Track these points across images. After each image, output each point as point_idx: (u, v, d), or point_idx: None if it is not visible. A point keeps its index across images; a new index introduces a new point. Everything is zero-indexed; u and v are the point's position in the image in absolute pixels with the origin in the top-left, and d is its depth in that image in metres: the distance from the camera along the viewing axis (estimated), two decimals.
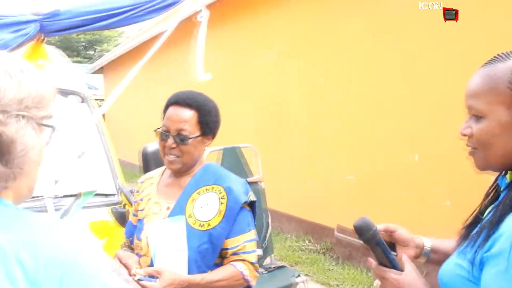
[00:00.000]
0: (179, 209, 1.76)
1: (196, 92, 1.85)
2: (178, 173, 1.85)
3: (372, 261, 1.18)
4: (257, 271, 1.78)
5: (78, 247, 0.84)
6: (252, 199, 1.81)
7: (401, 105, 4.62)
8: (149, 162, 2.56)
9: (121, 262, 1.68)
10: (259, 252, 1.91)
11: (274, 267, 3.70)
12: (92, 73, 18.94)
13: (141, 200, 1.92)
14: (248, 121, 7.45)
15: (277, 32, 6.57)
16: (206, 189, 1.79)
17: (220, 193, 1.77)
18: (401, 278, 1.10)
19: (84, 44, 30.10)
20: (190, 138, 1.75)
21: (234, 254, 1.74)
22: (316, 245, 5.70)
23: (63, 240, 0.84)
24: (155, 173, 1.99)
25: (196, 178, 1.83)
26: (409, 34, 4.46)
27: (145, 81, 11.70)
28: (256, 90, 7.19)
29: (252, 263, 1.76)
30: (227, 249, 1.74)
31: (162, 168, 1.95)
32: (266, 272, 3.61)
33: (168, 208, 1.80)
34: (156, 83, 11.33)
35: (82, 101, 2.98)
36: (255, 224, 1.88)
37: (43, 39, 3.13)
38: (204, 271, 1.69)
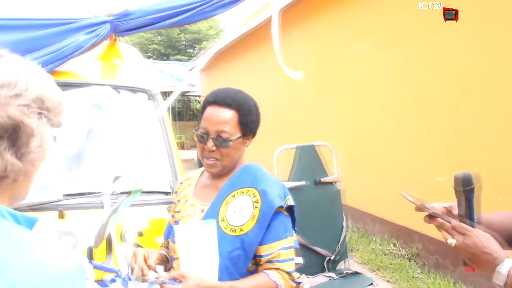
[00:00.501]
0: (212, 212, 1.67)
1: (235, 89, 1.74)
2: (216, 175, 1.76)
3: (451, 219, 1.32)
4: (293, 280, 1.64)
5: (48, 271, 0.77)
6: (289, 204, 1.68)
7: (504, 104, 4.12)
8: None
9: (135, 260, 1.61)
10: (299, 260, 1.75)
11: (346, 272, 3.49)
12: (189, 70, 19.76)
13: (179, 201, 1.86)
14: (336, 118, 7.21)
15: (367, 24, 6.24)
16: (241, 192, 1.68)
17: (254, 196, 1.65)
18: (483, 235, 1.23)
19: (185, 43, 31.45)
20: (230, 140, 1.65)
21: (268, 262, 1.62)
22: (401, 250, 5.34)
23: (32, 262, 0.77)
24: (194, 173, 1.92)
25: (232, 180, 1.73)
26: None
27: (239, 78, 11.89)
28: (344, 85, 6.92)
29: (288, 273, 1.62)
30: (260, 256, 1.63)
31: (202, 168, 1.87)
32: (338, 277, 3.42)
33: (202, 211, 1.73)
34: (252, 80, 11.34)
35: (149, 99, 3.01)
36: (295, 230, 1.75)
37: (115, 38, 3.23)
38: (236, 279, 1.59)
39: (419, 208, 1.39)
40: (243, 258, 1.59)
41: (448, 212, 1.41)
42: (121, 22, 3.02)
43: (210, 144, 1.65)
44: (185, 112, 24.35)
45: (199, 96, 21.12)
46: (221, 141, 1.65)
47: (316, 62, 7.79)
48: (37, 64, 0.95)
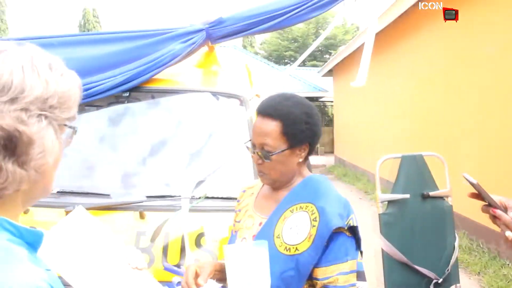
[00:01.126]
0: (269, 228, 1.57)
1: (284, 96, 1.62)
2: (275, 187, 1.67)
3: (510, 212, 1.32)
4: None
5: None
6: (352, 224, 1.50)
7: None
8: None
9: (186, 278, 1.54)
10: (363, 286, 1.55)
11: None
12: (323, 76, 19.72)
13: (239, 211, 1.79)
14: (464, 126, 6.53)
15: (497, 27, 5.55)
16: (300, 207, 1.54)
17: (312, 213, 1.51)
18: None
19: (321, 48, 31.48)
20: (272, 154, 1.54)
21: (325, 286, 1.47)
22: None
23: None
24: (257, 182, 1.83)
25: (292, 193, 1.60)
26: None
27: (378, 75, 11.42)
28: (476, 88, 6.23)
29: None
30: (317, 279, 1.48)
31: None
32: None
33: (260, 224, 1.63)
34: (394, 75, 10.76)
35: (241, 104, 3.02)
36: (360, 252, 1.56)
37: (212, 46, 3.31)
38: None
39: (477, 195, 1.37)
40: (297, 279, 1.47)
41: (504, 206, 1.37)
42: (216, 30, 3.09)
43: (255, 157, 1.59)
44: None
45: (331, 102, 20.97)
46: (264, 154, 1.56)
47: (446, 62, 7.15)
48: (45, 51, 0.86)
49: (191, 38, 3.05)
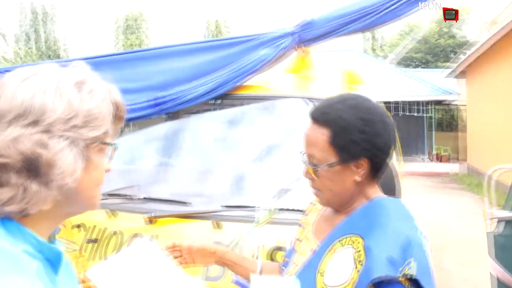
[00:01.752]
0: (316, 259, 1.29)
1: (341, 97, 1.31)
2: (333, 208, 1.41)
3: None
4: None
5: None
6: (409, 273, 1.09)
7: None
8: None
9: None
10: None
11: None
12: (454, 77, 18.30)
13: (303, 227, 1.55)
14: None
15: None
16: (350, 240, 1.23)
17: (357, 252, 1.18)
18: None
19: (447, 48, 29.45)
20: (318, 168, 1.27)
21: None
22: None
23: None
24: None
25: (349, 220, 1.29)
26: None
27: (501, 82, 10.36)
28: None
29: None
30: None
31: None
32: None
33: (311, 251, 1.37)
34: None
35: None
36: None
37: (302, 49, 3.18)
38: None
39: None
40: None
41: None
42: (305, 33, 2.97)
43: (304, 170, 1.34)
44: (445, 121, 22.67)
45: (464, 105, 19.27)
46: (311, 167, 1.30)
47: None
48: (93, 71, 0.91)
49: (277, 43, 2.97)
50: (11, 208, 0.80)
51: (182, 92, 3.03)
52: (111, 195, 2.68)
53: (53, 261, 0.87)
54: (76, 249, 1.90)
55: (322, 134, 1.26)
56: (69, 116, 0.82)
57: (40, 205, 0.82)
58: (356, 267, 1.16)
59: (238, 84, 2.96)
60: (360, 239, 1.20)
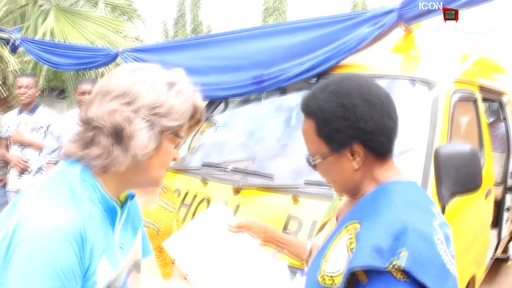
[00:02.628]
0: (326, 245, 1.24)
1: (325, 84, 1.20)
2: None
3: None
4: None
5: (30, 234, 0.90)
6: (397, 264, 1.00)
7: None
8: (441, 170, 1.97)
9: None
10: None
11: None
12: None
13: (334, 211, 1.48)
14: None
15: None
16: (352, 226, 1.16)
17: (350, 239, 1.12)
18: None
19: None
20: (313, 161, 1.21)
21: None
22: None
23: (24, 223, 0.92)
24: None
25: (357, 206, 1.22)
26: None
27: None
28: None
29: None
30: None
31: None
32: None
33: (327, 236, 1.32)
34: None
35: (429, 90, 2.66)
36: None
37: (410, 29, 3.02)
38: None
39: None
40: None
41: None
42: (407, 10, 2.83)
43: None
44: None
45: None
46: (308, 161, 1.25)
47: None
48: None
49: (380, 21, 2.86)
50: (97, 163, 1.01)
51: (282, 70, 3.10)
52: (205, 165, 2.89)
53: (109, 213, 1.07)
54: (173, 211, 2.09)
55: (309, 127, 1.20)
56: (155, 105, 1.03)
57: (117, 167, 1.02)
58: (348, 256, 1.11)
59: (338, 62, 2.93)
60: (358, 226, 1.14)
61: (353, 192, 1.24)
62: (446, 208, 2.36)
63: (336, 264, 1.12)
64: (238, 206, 2.48)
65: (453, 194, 1.98)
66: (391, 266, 1.00)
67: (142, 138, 1.01)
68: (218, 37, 3.59)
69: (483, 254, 3.26)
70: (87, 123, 1.03)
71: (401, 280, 1.01)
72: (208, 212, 1.60)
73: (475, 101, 3.12)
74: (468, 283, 2.95)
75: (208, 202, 2.59)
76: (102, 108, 1.02)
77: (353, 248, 1.09)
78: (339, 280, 1.09)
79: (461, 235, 2.66)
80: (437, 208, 1.17)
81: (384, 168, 1.20)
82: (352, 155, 1.17)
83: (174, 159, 1.14)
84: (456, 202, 2.54)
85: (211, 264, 1.44)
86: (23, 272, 0.87)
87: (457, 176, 1.94)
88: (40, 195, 0.97)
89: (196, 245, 1.48)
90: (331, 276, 1.12)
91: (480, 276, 3.23)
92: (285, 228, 2.28)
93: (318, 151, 1.19)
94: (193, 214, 2.60)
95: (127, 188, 1.13)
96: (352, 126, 1.14)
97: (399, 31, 3.07)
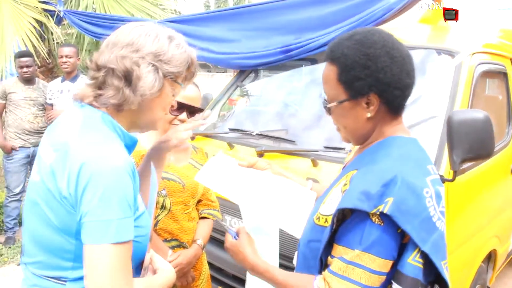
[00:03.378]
0: (327, 190, 1.36)
1: (352, 33, 1.26)
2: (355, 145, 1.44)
3: None
4: None
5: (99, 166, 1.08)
6: (383, 211, 1.10)
7: None
8: (453, 136, 2.00)
9: None
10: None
11: None
12: None
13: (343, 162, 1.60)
14: None
15: None
16: (351, 173, 1.26)
17: (345, 184, 1.23)
18: None
19: None
20: (329, 105, 1.29)
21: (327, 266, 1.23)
22: None
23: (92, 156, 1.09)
24: None
25: (359, 157, 1.32)
26: None
27: None
28: None
29: None
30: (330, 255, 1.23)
31: None
32: None
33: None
34: None
35: (453, 59, 2.67)
36: (421, 251, 1.12)
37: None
38: (313, 274, 1.26)
39: None
40: (321, 252, 1.24)
41: None
42: None
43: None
44: None
45: None
46: (324, 105, 1.32)
47: None
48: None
49: None
50: (112, 102, 1.18)
51: (309, 40, 3.17)
52: (232, 129, 3.03)
53: (129, 147, 1.25)
54: None
55: (331, 72, 1.26)
56: (159, 53, 1.20)
57: (129, 105, 1.19)
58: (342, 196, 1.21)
59: None
60: (355, 172, 1.23)
61: (360, 141, 1.32)
62: (467, 179, 2.42)
63: (331, 205, 1.24)
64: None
65: (464, 160, 2.03)
66: (375, 210, 1.11)
67: (149, 79, 1.18)
68: (250, 8, 3.68)
69: (507, 231, 3.25)
70: (99, 68, 1.19)
71: (376, 222, 1.13)
72: (216, 158, 1.70)
73: (505, 74, 3.10)
74: (489, 257, 2.99)
75: None
76: (113, 55, 1.18)
77: (345, 190, 1.20)
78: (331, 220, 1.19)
79: (482, 208, 2.70)
80: (433, 167, 1.25)
81: (393, 124, 1.28)
82: (367, 104, 1.24)
83: (172, 106, 1.32)
84: (479, 174, 2.58)
85: (245, 188, 1.56)
86: (102, 203, 1.05)
87: (468, 142, 1.99)
88: (90, 139, 1.12)
89: (223, 176, 1.61)
90: (325, 217, 1.24)
91: (503, 252, 3.23)
92: None
93: (336, 96, 1.26)
94: None
95: (134, 129, 1.30)
96: (372, 75, 1.21)
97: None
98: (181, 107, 1.92)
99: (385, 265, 1.13)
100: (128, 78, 1.17)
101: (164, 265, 1.33)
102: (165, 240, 1.96)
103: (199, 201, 2.16)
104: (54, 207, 1.10)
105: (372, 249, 1.12)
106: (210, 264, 2.51)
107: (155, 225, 1.93)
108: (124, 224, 1.07)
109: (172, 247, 1.97)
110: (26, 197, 1.22)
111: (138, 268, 1.26)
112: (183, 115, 1.94)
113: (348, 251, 1.15)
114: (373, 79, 1.21)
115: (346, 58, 1.22)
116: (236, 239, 1.41)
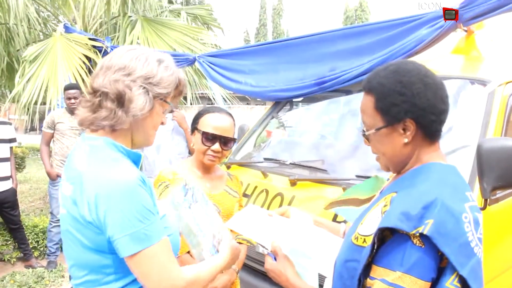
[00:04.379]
0: (364, 212, 1.40)
1: (388, 65, 1.35)
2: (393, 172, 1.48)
3: None
4: None
5: (114, 186, 1.20)
6: (423, 232, 1.13)
7: None
8: (483, 163, 2.01)
9: None
10: None
11: None
12: None
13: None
14: None
15: None
16: (390, 195, 1.31)
17: (385, 205, 1.27)
18: None
19: None
20: (367, 133, 1.36)
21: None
22: None
23: (108, 177, 1.22)
24: None
25: (397, 181, 1.37)
26: None
27: None
28: None
29: None
30: (369, 276, 1.27)
31: None
32: None
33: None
34: None
35: (485, 88, 2.67)
36: (458, 276, 1.13)
37: (471, 31, 3.03)
38: None
39: None
40: (359, 272, 1.27)
41: None
42: (466, 10, 2.84)
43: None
44: None
45: None
46: (363, 133, 1.39)
47: None
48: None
49: (439, 22, 2.91)
50: (105, 123, 1.29)
51: (343, 72, 3.24)
52: (266, 159, 3.12)
53: (135, 161, 1.36)
54: (236, 196, 2.28)
55: (368, 101, 1.33)
56: (149, 76, 1.31)
57: (122, 125, 1.29)
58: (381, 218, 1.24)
59: None
60: (394, 194, 1.27)
61: (399, 167, 1.37)
62: (502, 208, 2.39)
63: (370, 226, 1.27)
64: (294, 197, 2.67)
65: (495, 188, 2.03)
66: (415, 231, 1.13)
67: (140, 101, 1.29)
68: (287, 42, 3.79)
69: None
70: (94, 91, 1.31)
71: (417, 244, 1.14)
72: (246, 208, 1.77)
73: None
74: None
75: (267, 192, 2.81)
76: (107, 78, 1.29)
77: (385, 211, 1.23)
78: (370, 241, 1.22)
79: None
80: (472, 194, 1.28)
81: (430, 150, 1.33)
82: (404, 130, 1.30)
83: (162, 123, 1.42)
84: None
85: (275, 233, 1.58)
86: (124, 221, 1.17)
87: (499, 170, 1.99)
88: (98, 167, 1.24)
89: (254, 223, 1.67)
90: (364, 237, 1.27)
91: None
92: (335, 218, 2.44)
93: (373, 123, 1.33)
94: (253, 203, 2.84)
95: (133, 147, 1.40)
96: (407, 101, 1.27)
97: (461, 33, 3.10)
98: (214, 137, 2.03)
99: (426, 287, 1.15)
100: (120, 100, 1.28)
101: (223, 249, 1.47)
102: None
103: None
104: (83, 231, 1.23)
105: (413, 271, 1.14)
106: None
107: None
108: (151, 228, 1.20)
109: None
110: (61, 229, 1.36)
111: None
112: (216, 145, 2.04)
113: (389, 272, 1.17)
114: (409, 105, 1.27)
115: (382, 86, 1.30)
116: (275, 260, 1.46)
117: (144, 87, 1.30)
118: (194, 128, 2.12)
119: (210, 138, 2.04)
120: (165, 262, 1.21)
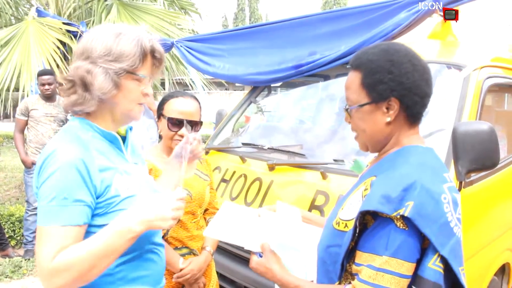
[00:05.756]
0: (345, 197, 1.41)
1: (377, 44, 1.35)
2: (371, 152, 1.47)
3: None
4: None
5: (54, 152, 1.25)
6: (404, 214, 1.14)
7: None
8: (458, 147, 2.04)
9: None
10: None
11: None
12: None
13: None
14: None
15: None
16: (370, 179, 1.30)
17: (365, 189, 1.26)
18: None
19: None
20: (351, 108, 1.34)
21: (354, 274, 1.26)
22: None
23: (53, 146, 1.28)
24: None
25: (377, 165, 1.35)
26: None
27: None
28: None
29: None
30: (354, 262, 1.27)
31: None
32: None
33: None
34: None
35: (460, 72, 2.70)
36: (439, 256, 1.16)
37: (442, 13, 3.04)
38: (333, 280, 1.31)
39: None
40: (341, 257, 1.28)
41: None
42: None
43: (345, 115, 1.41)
44: None
45: None
46: (346, 109, 1.37)
47: None
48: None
49: (416, 6, 2.92)
50: (77, 108, 1.34)
51: (321, 56, 3.23)
52: (245, 144, 3.11)
53: (113, 141, 1.39)
54: (207, 180, 2.25)
55: (355, 77, 1.33)
56: (105, 53, 1.29)
57: (90, 107, 1.32)
58: (361, 202, 1.24)
59: None
60: (374, 178, 1.27)
61: (377, 147, 1.37)
62: (477, 190, 2.43)
63: (351, 210, 1.27)
64: (272, 181, 2.67)
65: (470, 171, 2.06)
66: (396, 213, 1.15)
67: (99, 81, 1.29)
68: (266, 26, 3.77)
69: None
70: (67, 80, 1.35)
71: (400, 227, 1.16)
72: (223, 209, 1.69)
73: None
74: (503, 271, 2.96)
75: (246, 177, 2.80)
76: (71, 67, 1.34)
77: (366, 195, 1.24)
78: (352, 225, 1.23)
79: (493, 220, 2.69)
80: (449, 175, 1.29)
81: (410, 133, 1.34)
82: (387, 109, 1.30)
83: (145, 95, 1.38)
84: (490, 186, 2.59)
85: (260, 233, 1.52)
86: (45, 189, 1.22)
87: (473, 154, 2.02)
88: (55, 143, 1.30)
89: (234, 225, 1.59)
90: (345, 222, 1.28)
91: None
92: (313, 201, 2.45)
93: (358, 100, 1.32)
94: (231, 189, 2.83)
95: (116, 124, 1.41)
96: (394, 79, 1.27)
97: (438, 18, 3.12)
98: (180, 122, 2.01)
99: (412, 268, 1.17)
100: (84, 85, 1.31)
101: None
102: (176, 248, 2.03)
103: (206, 210, 2.23)
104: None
105: (399, 253, 1.15)
106: (221, 275, 2.56)
107: (166, 234, 2.01)
108: (57, 210, 1.21)
109: (183, 255, 2.04)
110: None
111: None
112: (183, 130, 2.01)
113: (375, 257, 1.17)
114: (395, 83, 1.27)
115: (371, 63, 1.30)
116: (260, 257, 1.42)
117: (101, 66, 1.29)
118: (159, 114, 2.09)
119: (176, 123, 2.02)
120: (49, 246, 1.20)
